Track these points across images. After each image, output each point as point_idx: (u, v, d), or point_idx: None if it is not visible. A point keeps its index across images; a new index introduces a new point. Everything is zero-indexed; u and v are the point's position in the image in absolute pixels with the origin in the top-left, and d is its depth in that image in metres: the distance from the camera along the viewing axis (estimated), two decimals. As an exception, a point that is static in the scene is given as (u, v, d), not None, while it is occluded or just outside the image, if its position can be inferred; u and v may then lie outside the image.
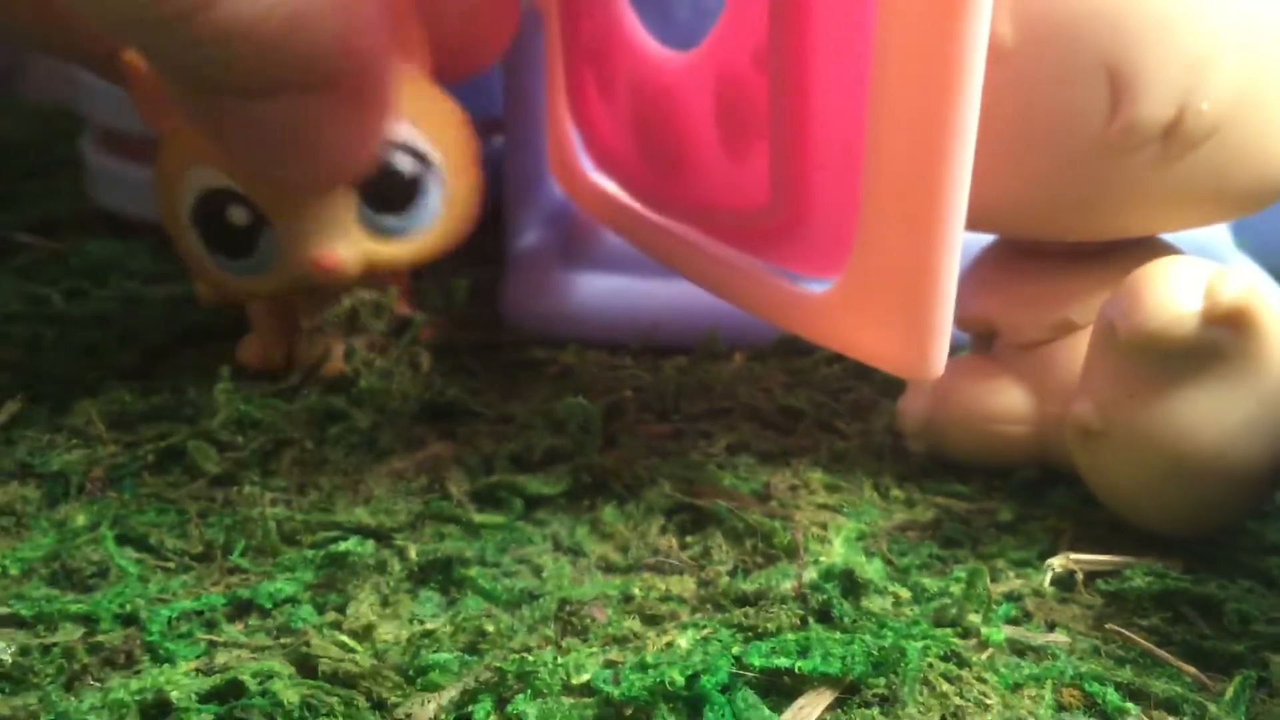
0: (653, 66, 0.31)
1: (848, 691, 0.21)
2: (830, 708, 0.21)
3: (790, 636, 0.22)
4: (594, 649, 0.23)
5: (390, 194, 0.32)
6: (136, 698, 0.21)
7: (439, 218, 0.33)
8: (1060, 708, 0.21)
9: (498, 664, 0.22)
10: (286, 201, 0.31)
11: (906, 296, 0.24)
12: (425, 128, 0.32)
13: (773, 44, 0.25)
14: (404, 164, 0.32)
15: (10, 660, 0.22)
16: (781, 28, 0.25)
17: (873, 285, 0.24)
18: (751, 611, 0.24)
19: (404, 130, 0.32)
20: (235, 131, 0.29)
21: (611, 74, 0.33)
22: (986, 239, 0.30)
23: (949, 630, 0.23)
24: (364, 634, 0.23)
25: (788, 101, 0.25)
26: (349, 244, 0.32)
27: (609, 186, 0.35)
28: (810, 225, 0.27)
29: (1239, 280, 0.24)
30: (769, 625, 0.23)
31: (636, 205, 0.33)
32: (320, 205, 0.31)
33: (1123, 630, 0.23)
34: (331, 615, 0.24)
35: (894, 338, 0.24)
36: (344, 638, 0.23)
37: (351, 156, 0.30)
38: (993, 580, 0.25)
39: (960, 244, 0.23)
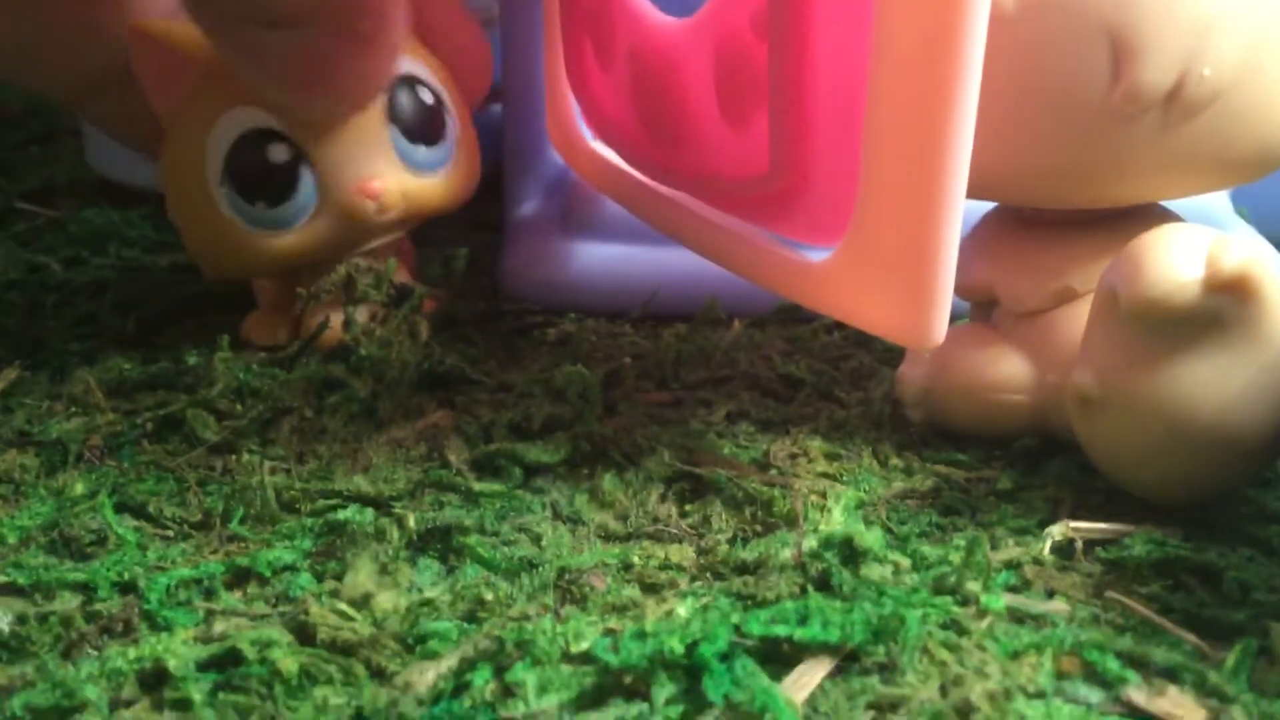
0: (652, 34, 0.31)
1: (847, 659, 0.21)
2: (829, 675, 0.21)
3: (789, 605, 0.22)
4: (593, 617, 0.23)
5: (422, 124, 0.33)
6: (134, 666, 0.21)
7: (456, 160, 0.35)
8: (1060, 676, 0.21)
9: (497, 632, 0.22)
10: (325, 135, 0.32)
11: (907, 264, 0.24)
12: (433, 72, 0.34)
13: (772, 10, 0.25)
14: (427, 96, 0.33)
15: (8, 629, 0.22)
16: None
17: (873, 253, 0.24)
18: (751, 580, 0.24)
19: (420, 69, 0.34)
20: (262, 57, 0.30)
21: (610, 42, 0.33)
22: (987, 206, 0.30)
23: (948, 598, 0.23)
24: (363, 602, 0.23)
25: (787, 68, 0.25)
26: (389, 174, 0.32)
27: (608, 155, 0.35)
28: (810, 193, 0.27)
29: (1241, 248, 0.24)
30: (768, 593, 0.23)
31: (636, 174, 0.33)
32: (360, 137, 0.32)
33: (1122, 598, 0.23)
34: (330, 584, 0.24)
35: (895, 306, 0.24)
36: (343, 606, 0.23)
37: (365, 84, 0.32)
38: (992, 548, 0.25)
39: (961, 212, 0.23)
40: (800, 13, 0.24)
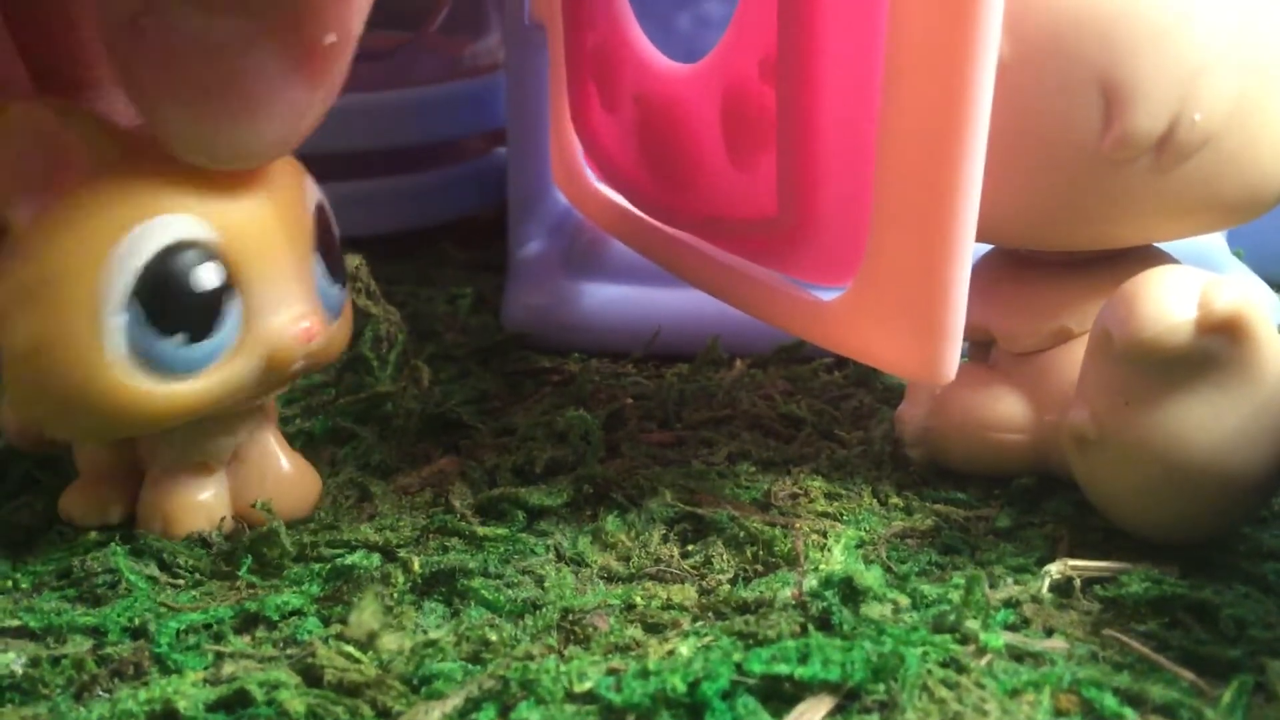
0: (658, 78, 0.31)
1: (848, 698, 0.21)
2: (830, 714, 0.21)
3: (790, 643, 0.22)
4: (596, 657, 0.23)
5: (339, 259, 0.28)
6: (145, 708, 0.21)
7: (345, 311, 0.28)
8: (1058, 713, 0.21)
9: (501, 672, 0.22)
10: (259, 258, 0.25)
11: (919, 302, 0.24)
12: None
13: (782, 54, 0.25)
14: (335, 228, 0.28)
15: (21, 671, 0.23)
16: (790, 38, 0.25)
17: (885, 291, 0.25)
18: (752, 619, 0.24)
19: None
20: (168, 59, 0.23)
21: (616, 86, 0.33)
22: (984, 248, 0.31)
23: (948, 636, 0.23)
24: (368, 644, 0.23)
25: (796, 111, 0.25)
26: (316, 314, 0.26)
27: (614, 196, 0.35)
28: (817, 235, 0.27)
29: (1233, 288, 0.24)
30: (769, 632, 0.23)
31: (642, 215, 0.34)
32: (296, 266, 0.26)
33: (1120, 636, 0.24)
34: (337, 627, 0.24)
35: (906, 343, 0.25)
36: (349, 648, 0.23)
37: (295, 117, 0.24)
38: (991, 587, 0.25)
39: (971, 251, 0.23)
40: (809, 57, 0.25)
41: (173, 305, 0.24)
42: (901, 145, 0.23)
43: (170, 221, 0.24)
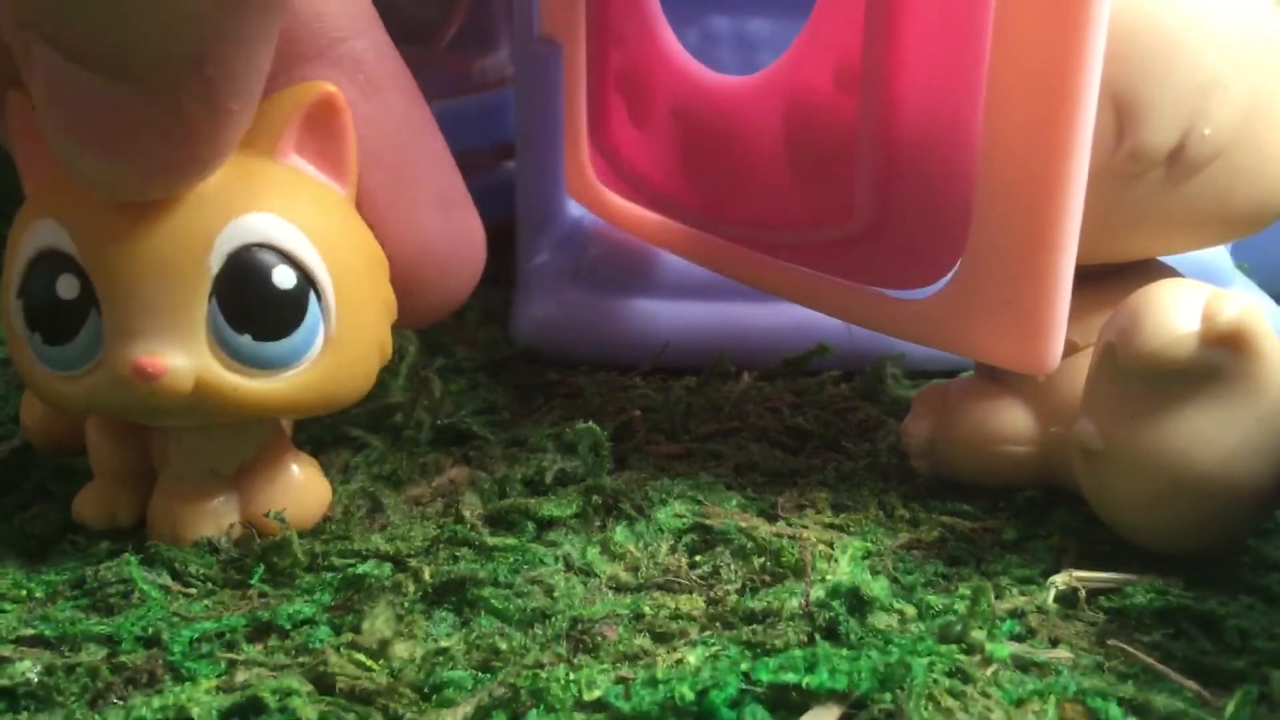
0: (705, 91, 0.31)
1: (854, 706, 0.22)
2: (837, 722, 0.21)
3: (798, 653, 0.22)
4: (605, 666, 0.23)
5: (258, 311, 0.25)
6: (159, 715, 0.22)
7: (314, 361, 0.26)
8: (1063, 722, 0.22)
9: (511, 680, 0.22)
10: (124, 281, 0.25)
11: (1025, 295, 0.25)
12: (322, 243, 0.26)
13: (866, 63, 0.26)
14: (283, 278, 0.25)
15: (36, 679, 0.23)
16: (876, 46, 0.26)
17: (989, 286, 0.26)
18: (760, 628, 0.24)
19: (290, 235, 0.25)
20: (80, 109, 0.24)
21: (649, 100, 0.33)
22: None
23: (954, 646, 0.23)
24: (380, 652, 0.23)
25: (879, 119, 0.26)
26: (185, 353, 0.25)
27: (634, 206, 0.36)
28: (893, 240, 0.27)
29: (1237, 302, 0.24)
30: (777, 642, 0.23)
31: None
32: (164, 298, 0.25)
33: (1125, 646, 0.24)
34: (348, 635, 0.24)
35: (1011, 335, 0.26)
36: (361, 656, 0.23)
37: (178, 166, 0.24)
38: (997, 597, 0.25)
39: (1076, 243, 0.24)
40: (894, 65, 0.25)
41: (35, 305, 0.25)
42: (1007, 143, 0.24)
43: (43, 226, 0.25)
